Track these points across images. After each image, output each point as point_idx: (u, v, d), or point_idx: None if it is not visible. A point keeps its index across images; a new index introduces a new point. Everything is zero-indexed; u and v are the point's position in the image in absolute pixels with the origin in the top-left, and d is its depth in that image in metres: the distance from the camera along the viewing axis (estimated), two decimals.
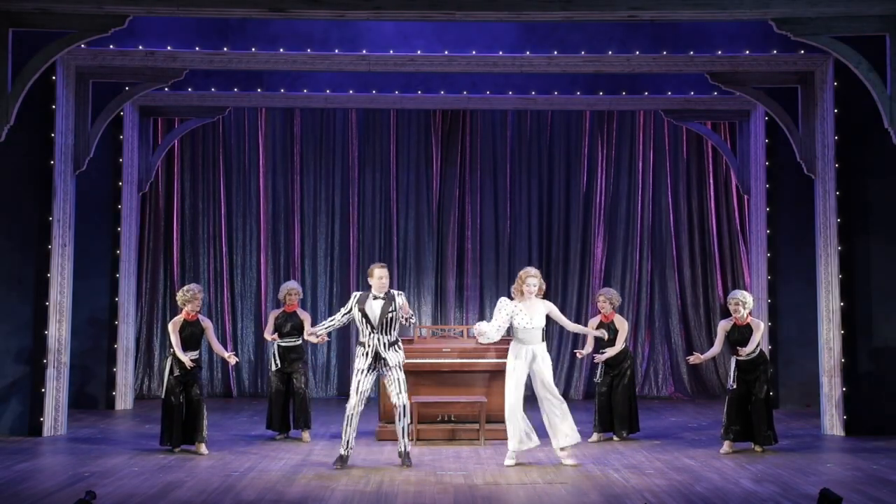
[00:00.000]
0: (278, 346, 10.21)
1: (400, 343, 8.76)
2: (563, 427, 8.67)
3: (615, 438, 10.13)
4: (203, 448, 9.28)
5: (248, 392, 14.11)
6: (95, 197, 12.45)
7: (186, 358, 9.22)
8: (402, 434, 8.61)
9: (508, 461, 8.64)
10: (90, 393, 12.45)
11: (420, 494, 7.45)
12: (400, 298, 8.66)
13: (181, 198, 14.31)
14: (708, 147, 14.39)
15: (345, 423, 8.51)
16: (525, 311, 8.69)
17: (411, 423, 8.86)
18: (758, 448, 9.38)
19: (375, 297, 8.62)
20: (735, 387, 9.40)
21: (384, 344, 8.58)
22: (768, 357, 9.67)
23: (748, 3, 8.96)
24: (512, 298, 8.83)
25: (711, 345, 13.84)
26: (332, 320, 8.84)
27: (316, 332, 8.85)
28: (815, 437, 10.37)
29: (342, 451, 8.54)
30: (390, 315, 8.58)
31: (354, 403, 8.51)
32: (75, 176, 10.82)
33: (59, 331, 10.46)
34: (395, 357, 8.63)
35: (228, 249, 14.33)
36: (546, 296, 14.00)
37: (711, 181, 14.47)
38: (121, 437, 10.33)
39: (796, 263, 12.57)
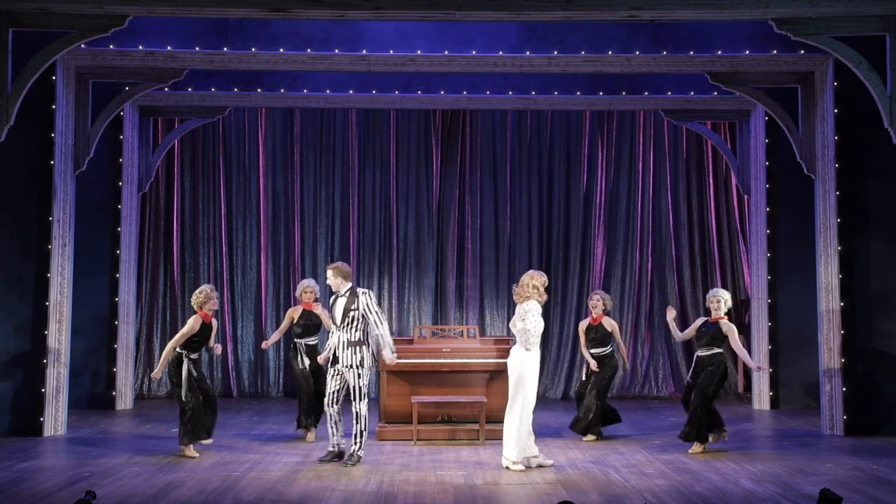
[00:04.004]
0: (305, 344, 10.11)
1: (362, 346, 8.68)
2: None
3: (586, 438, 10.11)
4: (208, 440, 9.42)
5: (248, 392, 14.11)
6: (95, 197, 12.45)
7: (160, 364, 9.21)
8: (353, 437, 8.73)
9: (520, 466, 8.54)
10: (90, 393, 12.45)
11: (420, 494, 7.46)
12: (364, 298, 8.70)
13: (181, 198, 14.31)
14: (708, 147, 14.39)
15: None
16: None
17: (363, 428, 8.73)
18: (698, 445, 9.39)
19: (341, 296, 8.75)
20: (691, 380, 9.63)
21: (342, 345, 8.68)
22: (726, 369, 9.63)
23: (748, 3, 8.95)
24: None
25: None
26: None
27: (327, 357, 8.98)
28: (815, 437, 10.37)
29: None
30: (353, 313, 8.65)
31: (326, 402, 8.83)
32: (75, 176, 10.83)
33: (58, 331, 10.46)
34: (349, 358, 8.63)
35: (228, 249, 14.33)
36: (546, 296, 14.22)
37: (711, 181, 14.48)
38: (121, 437, 10.33)
39: (796, 263, 12.57)
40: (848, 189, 10.70)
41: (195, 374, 9.12)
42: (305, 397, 10.04)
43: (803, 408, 12.52)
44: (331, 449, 8.83)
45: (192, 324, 9.10)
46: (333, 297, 8.88)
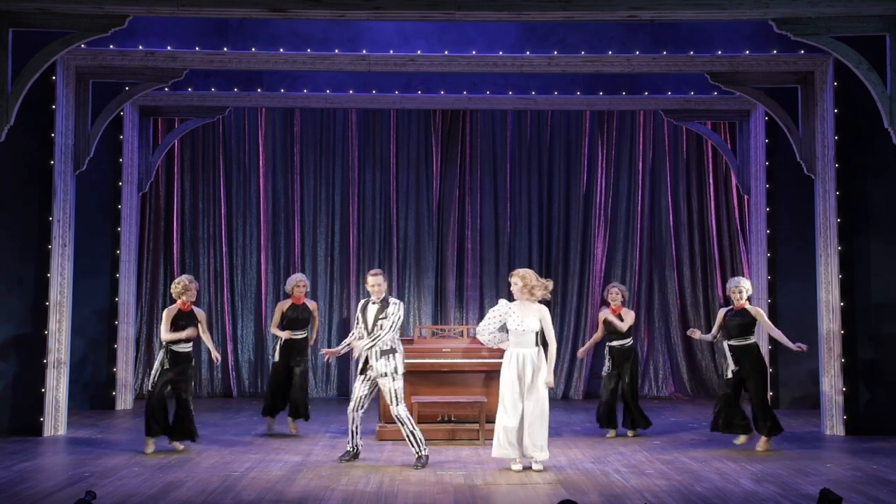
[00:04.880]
0: (291, 338, 10.39)
1: (395, 354, 8.72)
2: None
3: (630, 434, 10.29)
4: (179, 445, 9.34)
5: (248, 392, 14.11)
6: (95, 197, 12.45)
7: (183, 333, 9.17)
8: (408, 441, 8.73)
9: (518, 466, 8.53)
10: (90, 393, 12.44)
11: (420, 494, 7.46)
12: (394, 307, 8.71)
13: (181, 198, 14.31)
14: (708, 147, 14.39)
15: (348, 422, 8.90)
16: (517, 312, 8.58)
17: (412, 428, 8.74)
18: (765, 438, 9.43)
19: (373, 303, 8.76)
20: (731, 377, 9.55)
21: (375, 352, 8.66)
22: (763, 355, 9.73)
23: (748, 3, 8.95)
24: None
25: (711, 345, 13.94)
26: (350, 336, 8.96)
27: (339, 352, 9.00)
28: (815, 437, 10.37)
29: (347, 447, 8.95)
30: (381, 321, 8.66)
31: (352, 408, 8.79)
32: (75, 176, 10.83)
33: (59, 331, 10.46)
34: (384, 366, 8.64)
35: (228, 249, 14.33)
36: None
37: (711, 181, 14.48)
38: (121, 437, 10.32)
39: (796, 263, 12.57)
40: (848, 189, 10.69)
41: (168, 366, 9.20)
42: (276, 388, 10.32)
43: (803, 408, 12.51)
44: (349, 449, 8.85)
45: (165, 315, 9.29)
46: (364, 302, 8.84)
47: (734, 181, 13.96)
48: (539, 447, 8.36)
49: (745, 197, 13.45)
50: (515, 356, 8.44)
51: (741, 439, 9.66)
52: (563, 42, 10.87)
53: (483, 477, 8.13)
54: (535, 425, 8.35)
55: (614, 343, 10.39)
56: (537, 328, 8.48)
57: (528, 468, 8.42)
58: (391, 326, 8.63)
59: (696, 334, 9.95)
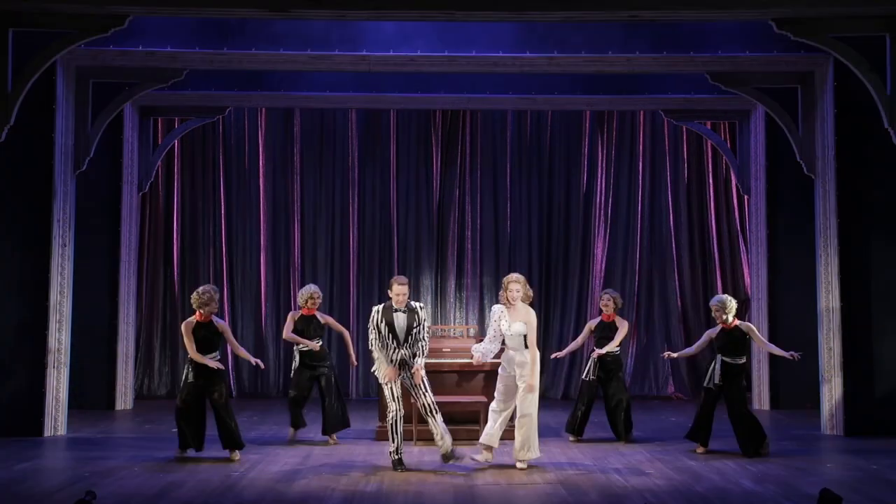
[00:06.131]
0: (300, 351, 10.01)
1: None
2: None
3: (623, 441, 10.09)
4: (236, 455, 8.93)
5: (248, 392, 14.12)
6: (95, 197, 12.44)
7: (209, 360, 8.76)
8: (441, 433, 8.55)
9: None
10: (90, 393, 12.41)
11: (420, 494, 7.45)
12: (423, 312, 8.60)
13: (181, 198, 14.32)
14: (708, 147, 14.40)
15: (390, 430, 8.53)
16: (508, 316, 8.58)
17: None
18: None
19: (400, 311, 8.50)
20: (713, 387, 9.33)
21: (409, 356, 8.50)
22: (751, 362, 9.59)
23: (748, 3, 8.95)
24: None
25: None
26: (375, 345, 8.57)
27: (382, 378, 8.64)
28: (815, 437, 10.37)
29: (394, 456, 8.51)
30: (415, 330, 8.47)
31: (396, 409, 8.50)
32: (75, 176, 10.83)
33: (58, 331, 10.45)
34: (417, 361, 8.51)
35: (228, 249, 14.33)
36: (546, 296, 14.25)
37: (711, 181, 14.48)
38: (121, 437, 10.33)
39: (796, 263, 12.57)
40: (848, 189, 10.69)
41: (192, 379, 8.82)
42: (296, 404, 10.02)
43: (803, 408, 12.51)
44: (398, 457, 8.48)
45: (184, 330, 8.84)
46: (384, 308, 8.51)
47: (734, 181, 13.96)
48: (528, 447, 8.41)
49: (745, 197, 13.44)
50: (507, 358, 8.58)
51: (700, 450, 9.41)
52: (564, 42, 10.85)
53: (483, 477, 8.13)
54: (524, 425, 8.41)
55: (603, 351, 10.23)
56: (524, 331, 8.52)
57: (510, 466, 8.51)
58: (429, 331, 8.63)
59: (672, 356, 9.84)
